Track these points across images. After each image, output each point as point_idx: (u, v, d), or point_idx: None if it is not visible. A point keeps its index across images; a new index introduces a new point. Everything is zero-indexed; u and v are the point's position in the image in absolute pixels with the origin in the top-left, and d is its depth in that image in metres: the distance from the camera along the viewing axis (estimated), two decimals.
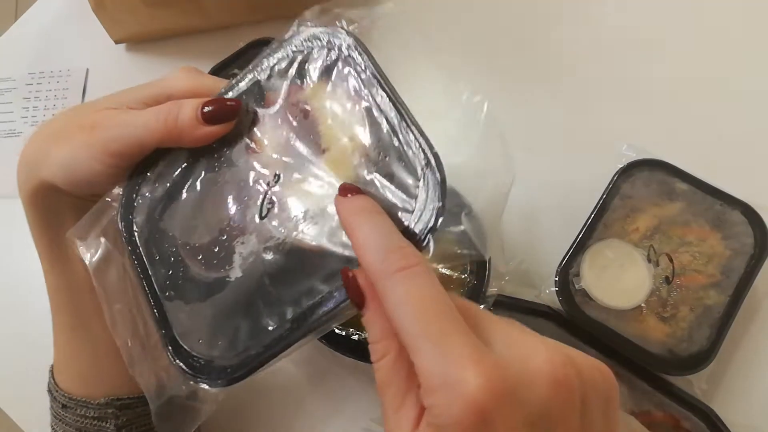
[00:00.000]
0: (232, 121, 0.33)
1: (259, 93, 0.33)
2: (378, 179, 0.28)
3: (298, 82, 0.32)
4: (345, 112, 0.30)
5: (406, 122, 0.28)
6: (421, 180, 0.27)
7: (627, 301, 0.45)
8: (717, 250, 0.47)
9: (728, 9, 0.60)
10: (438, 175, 0.27)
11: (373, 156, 0.29)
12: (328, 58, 0.31)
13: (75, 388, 0.40)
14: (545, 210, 0.53)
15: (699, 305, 0.45)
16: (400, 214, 0.27)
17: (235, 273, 0.31)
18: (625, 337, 0.44)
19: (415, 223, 0.27)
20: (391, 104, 0.29)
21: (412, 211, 0.27)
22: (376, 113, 0.29)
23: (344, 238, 0.28)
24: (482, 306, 0.46)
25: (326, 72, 0.31)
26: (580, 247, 0.47)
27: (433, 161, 0.27)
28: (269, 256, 0.30)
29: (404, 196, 0.27)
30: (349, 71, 0.30)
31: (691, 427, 0.44)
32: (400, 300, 0.24)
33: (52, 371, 0.42)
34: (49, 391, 0.42)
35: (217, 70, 0.58)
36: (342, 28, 0.32)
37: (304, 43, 0.32)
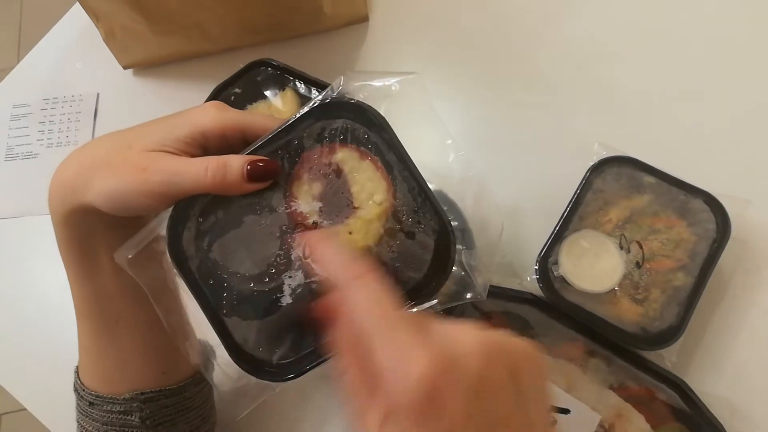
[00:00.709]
0: (273, 179, 0.38)
1: (294, 149, 0.38)
2: (401, 237, 0.37)
3: (329, 143, 0.38)
4: (373, 179, 0.37)
5: (424, 192, 0.36)
6: (435, 241, 0.36)
7: (602, 286, 0.49)
8: (684, 236, 0.51)
9: (683, 18, 0.66)
10: (452, 236, 0.36)
11: (398, 217, 0.37)
12: (356, 128, 0.38)
13: (101, 387, 0.44)
14: (526, 206, 0.58)
15: (669, 287, 0.49)
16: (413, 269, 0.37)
17: (286, 300, 0.37)
18: (601, 318, 0.48)
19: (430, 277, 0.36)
20: (410, 175, 0.37)
21: (428, 266, 0.36)
22: (398, 182, 0.37)
23: None
24: (470, 294, 0.50)
25: (355, 140, 0.38)
26: (557, 238, 0.51)
27: (447, 227, 0.36)
28: (315, 287, 0.37)
29: (422, 253, 0.36)
30: (375, 144, 0.37)
31: (665, 397, 0.48)
32: (358, 303, 0.29)
33: (77, 372, 0.45)
34: (75, 390, 0.45)
35: (220, 90, 0.62)
36: (370, 107, 0.38)
37: (334, 111, 0.38)
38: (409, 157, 0.37)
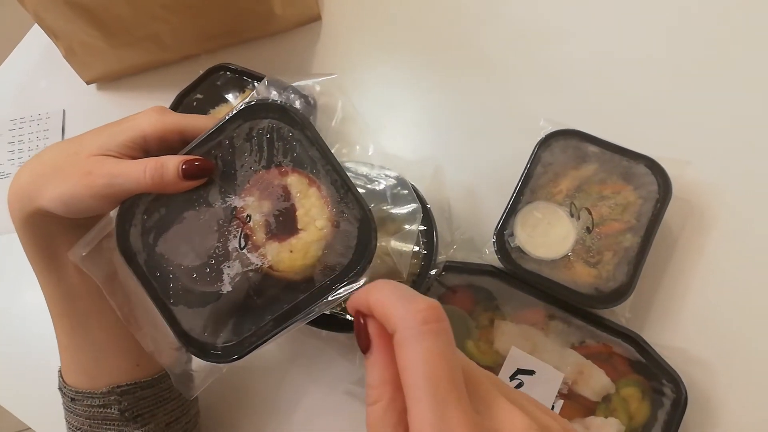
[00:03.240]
0: (207, 176, 0.40)
1: (226, 148, 0.41)
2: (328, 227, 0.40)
3: (258, 148, 0.41)
4: (317, 206, 0.40)
5: (345, 184, 0.39)
6: (358, 228, 0.39)
7: (556, 252, 0.52)
8: (630, 200, 0.54)
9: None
10: (372, 224, 0.39)
11: (333, 211, 0.40)
12: (281, 127, 0.41)
13: (81, 383, 0.46)
14: (481, 184, 0.61)
15: (619, 248, 0.52)
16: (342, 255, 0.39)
17: (226, 288, 0.40)
18: (557, 283, 0.51)
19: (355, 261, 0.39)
20: (333, 169, 0.40)
21: (353, 251, 0.39)
22: (322, 175, 0.40)
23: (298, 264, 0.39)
24: (434, 271, 0.53)
25: (281, 138, 0.41)
26: (512, 211, 0.54)
27: (368, 214, 0.39)
28: (251, 275, 0.40)
29: (347, 239, 0.39)
30: (299, 141, 0.40)
31: (622, 351, 0.51)
32: (418, 356, 0.25)
33: (60, 372, 0.48)
34: (60, 389, 0.48)
35: (182, 97, 0.64)
36: (293, 107, 0.41)
37: (260, 112, 0.41)
38: (330, 152, 0.40)
